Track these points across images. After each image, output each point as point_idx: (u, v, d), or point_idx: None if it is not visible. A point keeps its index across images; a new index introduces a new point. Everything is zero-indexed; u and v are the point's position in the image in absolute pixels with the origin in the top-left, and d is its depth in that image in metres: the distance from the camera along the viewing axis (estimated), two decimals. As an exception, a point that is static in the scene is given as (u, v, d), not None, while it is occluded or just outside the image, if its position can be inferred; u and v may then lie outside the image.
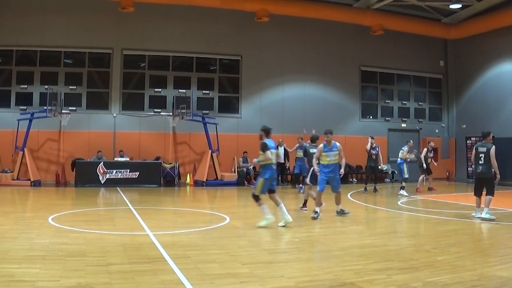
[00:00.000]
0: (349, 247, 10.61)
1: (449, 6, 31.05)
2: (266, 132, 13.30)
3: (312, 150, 16.61)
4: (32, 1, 26.98)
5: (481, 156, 15.17)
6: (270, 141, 13.31)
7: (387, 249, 10.35)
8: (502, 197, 19.93)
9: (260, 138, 13.32)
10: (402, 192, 22.46)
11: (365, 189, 24.07)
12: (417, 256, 9.66)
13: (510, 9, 28.80)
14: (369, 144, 23.81)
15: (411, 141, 24.44)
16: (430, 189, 25.11)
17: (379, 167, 25.99)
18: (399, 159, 23.60)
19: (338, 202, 15.69)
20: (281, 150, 26.01)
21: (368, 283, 7.74)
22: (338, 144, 15.23)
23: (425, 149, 25.17)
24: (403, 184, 22.77)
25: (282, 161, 26.65)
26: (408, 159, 23.73)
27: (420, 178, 25.26)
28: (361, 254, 9.89)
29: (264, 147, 12.93)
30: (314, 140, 17.10)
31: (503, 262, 9.21)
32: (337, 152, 15.12)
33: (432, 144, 25.61)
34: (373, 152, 23.83)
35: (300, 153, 22.57)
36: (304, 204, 16.89)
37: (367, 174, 24.77)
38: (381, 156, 24.70)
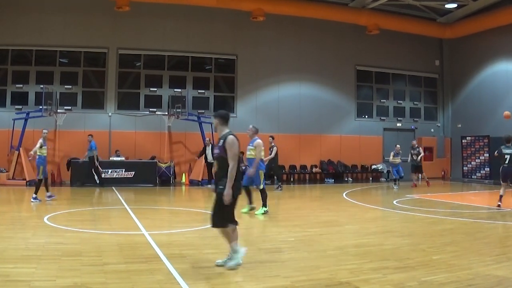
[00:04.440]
0: (345, 246, 10.62)
1: (444, 5, 31.11)
2: None
3: (506, 151, 17.36)
4: (28, 0, 26.92)
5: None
6: None
7: (383, 248, 10.36)
8: (498, 196, 19.93)
9: None
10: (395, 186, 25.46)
11: (280, 187, 24.77)
12: (413, 255, 9.67)
13: (505, 8, 28.87)
14: (270, 145, 24.01)
15: (398, 145, 25.85)
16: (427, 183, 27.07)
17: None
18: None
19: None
20: (208, 149, 26.05)
21: (364, 282, 7.75)
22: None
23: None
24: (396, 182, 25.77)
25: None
26: (394, 163, 25.43)
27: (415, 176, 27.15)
28: (357, 253, 9.91)
29: None
30: (509, 140, 17.35)
31: (499, 261, 9.22)
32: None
33: (414, 142, 27.73)
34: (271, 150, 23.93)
35: None
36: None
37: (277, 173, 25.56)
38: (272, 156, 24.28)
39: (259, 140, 15.39)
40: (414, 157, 26.87)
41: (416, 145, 27.19)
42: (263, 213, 15.24)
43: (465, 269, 8.51)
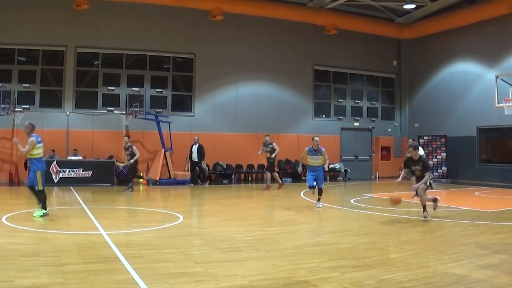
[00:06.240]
0: (303, 245, 10.67)
1: (403, 6, 31.34)
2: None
3: None
4: (-17, -3, 26.55)
5: None
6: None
7: (341, 247, 10.42)
8: (455, 195, 20.18)
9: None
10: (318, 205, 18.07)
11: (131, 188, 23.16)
12: (371, 254, 9.74)
13: (463, 9, 29.31)
14: (126, 145, 23.63)
15: (316, 138, 18.44)
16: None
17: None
18: None
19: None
20: (194, 148, 25.97)
21: (322, 281, 7.78)
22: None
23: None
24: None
25: (196, 159, 26.42)
26: (311, 164, 18.33)
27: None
28: (315, 252, 9.95)
29: None
30: None
31: (457, 259, 9.31)
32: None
33: (267, 138, 25.44)
34: (127, 152, 23.49)
35: None
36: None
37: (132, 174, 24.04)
38: (136, 157, 23.31)
39: (31, 138, 14.90)
40: (268, 155, 24.96)
41: (269, 141, 25.16)
42: (41, 216, 14.11)
43: (423, 268, 8.60)
